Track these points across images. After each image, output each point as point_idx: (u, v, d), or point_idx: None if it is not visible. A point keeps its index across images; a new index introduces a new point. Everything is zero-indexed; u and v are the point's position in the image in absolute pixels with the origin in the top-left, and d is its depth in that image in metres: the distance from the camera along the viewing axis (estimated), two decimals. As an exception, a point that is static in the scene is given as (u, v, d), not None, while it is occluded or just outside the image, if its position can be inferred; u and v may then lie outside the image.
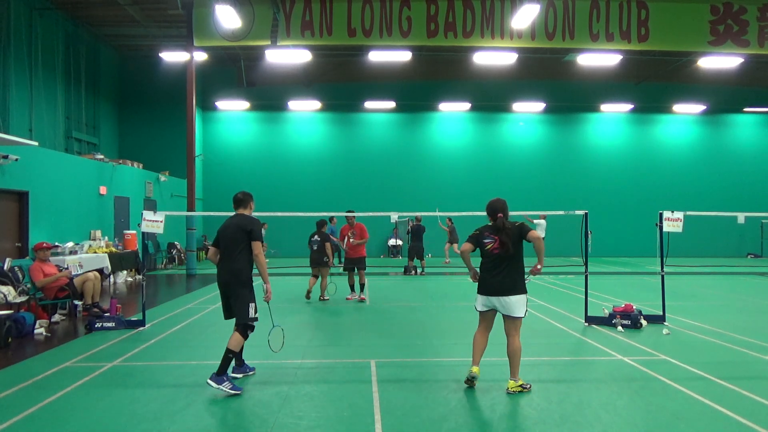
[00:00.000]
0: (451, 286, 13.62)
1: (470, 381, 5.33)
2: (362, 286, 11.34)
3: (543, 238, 5.10)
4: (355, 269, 11.22)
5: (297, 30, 15.98)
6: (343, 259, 12.10)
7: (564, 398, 5.10)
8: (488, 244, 5.26)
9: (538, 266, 5.26)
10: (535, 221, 19.65)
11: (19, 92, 15.53)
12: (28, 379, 5.67)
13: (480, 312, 5.40)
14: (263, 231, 19.41)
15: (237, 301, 5.40)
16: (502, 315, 5.28)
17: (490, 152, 24.59)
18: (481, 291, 5.34)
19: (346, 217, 11.29)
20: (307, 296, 10.99)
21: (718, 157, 25.10)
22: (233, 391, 5.10)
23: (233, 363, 5.53)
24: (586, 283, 8.82)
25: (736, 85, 24.31)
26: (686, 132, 25.30)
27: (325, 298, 11.15)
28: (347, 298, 11.20)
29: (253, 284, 5.50)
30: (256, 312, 5.41)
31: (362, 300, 11.09)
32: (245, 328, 5.35)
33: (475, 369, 5.30)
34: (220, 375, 5.14)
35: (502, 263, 5.22)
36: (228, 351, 5.20)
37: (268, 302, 5.54)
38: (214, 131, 24.19)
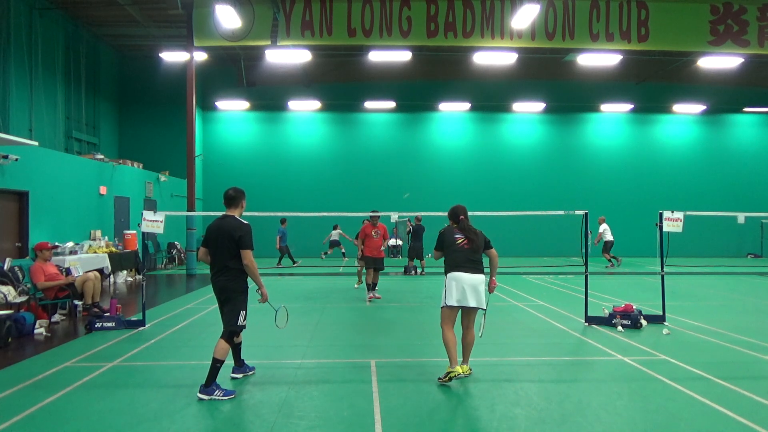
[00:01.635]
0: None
1: (453, 378, 5.55)
2: (374, 284, 11.57)
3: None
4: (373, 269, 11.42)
5: (297, 30, 15.97)
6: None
7: (564, 398, 5.10)
8: (458, 239, 5.71)
9: (494, 284, 5.88)
10: (601, 229, 18.96)
11: (19, 92, 15.53)
12: (28, 379, 5.68)
13: (450, 308, 5.65)
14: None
15: (228, 306, 5.26)
16: (465, 309, 5.65)
17: (490, 152, 24.59)
18: (456, 283, 5.61)
19: (370, 216, 11.51)
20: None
21: (718, 157, 25.10)
22: (226, 397, 5.04)
23: (231, 364, 5.47)
24: (586, 283, 8.82)
25: (736, 85, 24.31)
26: (686, 132, 25.29)
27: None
28: (369, 298, 11.07)
29: (248, 289, 5.39)
30: (245, 320, 5.29)
31: (377, 298, 11.29)
32: (231, 334, 5.22)
33: (459, 368, 5.55)
34: (208, 386, 5.03)
35: (471, 258, 5.64)
36: (215, 360, 5.06)
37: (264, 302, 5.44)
38: (214, 131, 24.19)
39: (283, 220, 18.87)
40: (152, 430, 4.36)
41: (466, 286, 5.56)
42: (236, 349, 5.72)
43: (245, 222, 5.34)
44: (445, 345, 5.64)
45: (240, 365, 5.83)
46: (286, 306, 6.18)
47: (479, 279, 5.62)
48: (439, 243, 5.85)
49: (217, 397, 5.00)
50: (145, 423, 4.49)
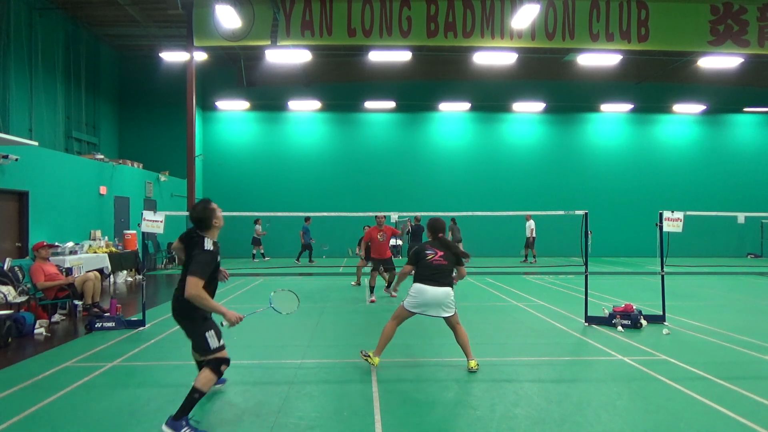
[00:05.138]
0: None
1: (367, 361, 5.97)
2: (390, 283, 11.67)
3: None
4: (381, 268, 11.45)
5: (297, 30, 15.98)
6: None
7: (564, 398, 5.10)
8: (429, 255, 5.97)
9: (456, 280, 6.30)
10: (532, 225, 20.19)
11: (19, 92, 15.53)
12: (28, 379, 5.67)
13: (408, 311, 5.96)
14: (258, 226, 20.74)
15: (189, 335, 4.45)
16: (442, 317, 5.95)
17: (490, 152, 24.59)
18: (419, 296, 5.90)
19: (375, 217, 11.53)
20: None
21: (718, 157, 25.10)
22: None
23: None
24: (586, 283, 8.82)
25: (736, 85, 24.31)
26: (686, 132, 25.29)
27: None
28: (371, 300, 10.95)
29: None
30: (219, 340, 4.35)
31: (393, 296, 11.16)
32: (217, 363, 4.31)
33: (377, 360, 5.96)
34: (178, 419, 4.14)
35: (438, 273, 5.91)
36: (194, 390, 4.20)
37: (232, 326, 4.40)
38: (214, 131, 24.19)
39: (307, 218, 19.78)
40: (152, 430, 4.36)
41: (428, 299, 5.86)
42: (190, 396, 4.64)
43: (207, 250, 4.35)
44: (382, 334, 6.02)
45: (177, 418, 4.63)
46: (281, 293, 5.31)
47: (442, 292, 5.87)
48: (412, 258, 6.11)
49: None
50: (145, 423, 4.49)
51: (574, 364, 6.48)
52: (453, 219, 19.72)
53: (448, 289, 5.93)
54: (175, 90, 20.18)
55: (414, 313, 5.97)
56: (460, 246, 21.35)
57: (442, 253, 5.97)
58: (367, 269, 12.31)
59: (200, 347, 4.38)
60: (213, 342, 4.31)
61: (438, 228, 6.15)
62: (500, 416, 4.65)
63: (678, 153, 25.12)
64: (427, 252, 5.99)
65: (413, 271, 6.09)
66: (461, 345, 6.03)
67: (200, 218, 4.47)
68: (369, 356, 5.97)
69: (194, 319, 4.35)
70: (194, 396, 4.20)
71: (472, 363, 5.96)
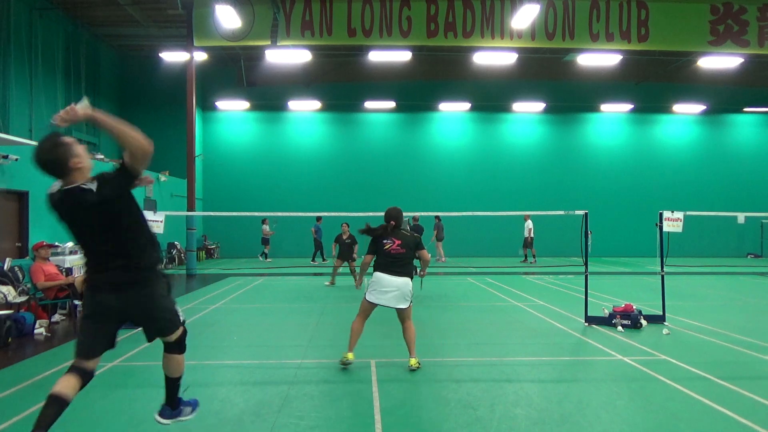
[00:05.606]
0: (450, 285, 13.62)
1: (345, 365, 5.98)
2: None
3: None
4: None
5: (297, 30, 15.98)
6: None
7: (564, 398, 5.10)
8: (386, 245, 6.00)
9: (423, 273, 6.61)
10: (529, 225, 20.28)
11: (19, 92, 15.53)
12: (28, 379, 5.67)
13: (368, 302, 6.02)
14: (266, 226, 20.77)
15: (151, 312, 3.63)
16: (396, 309, 5.97)
17: (490, 152, 24.60)
18: (376, 284, 5.96)
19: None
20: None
21: (718, 157, 25.11)
22: (193, 414, 4.02)
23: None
24: (586, 283, 8.82)
25: (736, 85, 24.32)
26: (686, 132, 25.30)
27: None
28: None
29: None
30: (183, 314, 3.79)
31: None
32: (181, 340, 3.72)
33: (350, 355, 6.01)
34: (176, 407, 3.90)
35: (396, 261, 5.94)
36: (172, 380, 3.82)
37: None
38: (214, 131, 24.19)
39: (318, 218, 19.97)
40: (152, 430, 4.35)
41: (385, 288, 5.91)
42: (173, 385, 3.91)
43: (88, 186, 3.24)
44: (351, 331, 6.10)
45: (175, 407, 3.94)
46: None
47: (400, 281, 5.90)
48: (370, 248, 6.14)
49: (185, 417, 3.98)
50: (145, 423, 4.48)
51: (574, 364, 6.48)
52: (437, 217, 19.82)
53: (407, 279, 5.94)
54: (175, 90, 20.17)
55: (373, 304, 5.99)
56: (439, 246, 21.49)
57: (399, 242, 5.97)
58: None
59: (165, 325, 3.61)
60: (182, 315, 3.71)
61: (391, 216, 6.09)
62: (500, 416, 4.65)
63: (678, 153, 25.12)
64: (385, 241, 6.00)
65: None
66: (407, 341, 6.05)
67: (50, 160, 3.15)
68: (344, 357, 5.98)
69: (158, 292, 3.60)
70: (177, 384, 3.84)
71: (413, 361, 5.94)
